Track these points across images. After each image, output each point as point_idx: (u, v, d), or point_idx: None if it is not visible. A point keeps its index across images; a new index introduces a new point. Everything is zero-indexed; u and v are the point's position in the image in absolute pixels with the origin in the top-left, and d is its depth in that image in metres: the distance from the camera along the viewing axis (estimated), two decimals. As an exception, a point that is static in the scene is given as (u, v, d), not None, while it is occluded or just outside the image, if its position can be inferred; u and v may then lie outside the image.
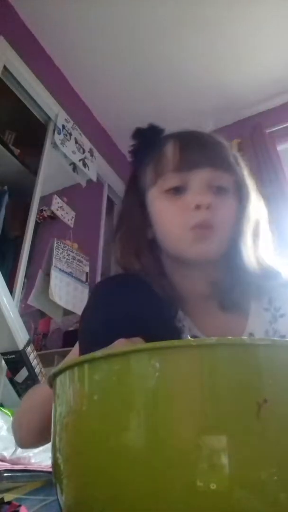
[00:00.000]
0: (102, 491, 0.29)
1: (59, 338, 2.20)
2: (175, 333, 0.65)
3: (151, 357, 0.29)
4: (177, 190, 0.64)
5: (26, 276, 1.80)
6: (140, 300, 0.62)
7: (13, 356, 1.40)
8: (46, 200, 2.19)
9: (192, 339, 0.30)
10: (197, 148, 0.65)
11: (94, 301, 0.65)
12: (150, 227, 0.69)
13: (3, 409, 1.19)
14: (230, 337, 0.67)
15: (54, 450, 0.35)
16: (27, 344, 1.42)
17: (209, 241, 0.63)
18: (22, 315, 1.64)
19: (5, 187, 2.29)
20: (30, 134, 2.17)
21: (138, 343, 0.45)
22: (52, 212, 2.14)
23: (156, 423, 0.28)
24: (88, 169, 2.26)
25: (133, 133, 0.71)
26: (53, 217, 2.23)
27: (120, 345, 0.45)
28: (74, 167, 2.20)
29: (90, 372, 0.31)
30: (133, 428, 0.29)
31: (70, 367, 0.33)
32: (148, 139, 0.70)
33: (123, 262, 0.71)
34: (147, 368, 0.29)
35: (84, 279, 2.06)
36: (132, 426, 0.29)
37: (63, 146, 2.09)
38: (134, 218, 0.71)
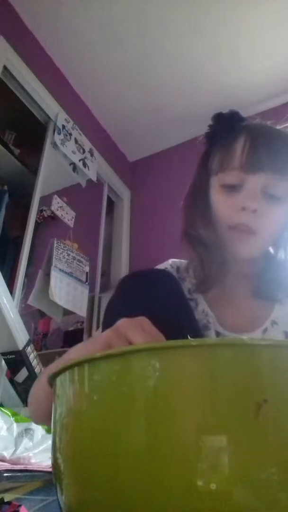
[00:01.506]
0: (102, 491, 0.29)
1: (59, 338, 2.21)
2: (198, 329, 0.68)
3: (151, 357, 0.29)
4: (233, 188, 0.67)
5: (26, 276, 1.80)
6: (165, 295, 0.64)
7: (13, 356, 1.40)
8: (46, 200, 2.19)
9: (192, 339, 0.30)
10: (265, 152, 0.66)
11: (118, 294, 0.68)
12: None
13: (3, 409, 1.19)
14: (251, 324, 0.67)
15: (54, 450, 0.35)
16: (27, 344, 1.42)
17: (247, 243, 0.67)
18: (22, 315, 1.64)
19: (5, 187, 2.29)
20: (30, 134, 2.17)
21: (143, 322, 0.44)
22: (52, 212, 2.14)
23: (156, 423, 0.28)
24: (88, 169, 2.26)
25: (214, 116, 0.72)
26: (53, 217, 2.23)
27: (123, 324, 0.45)
28: (74, 167, 2.20)
29: (90, 372, 0.31)
30: (133, 429, 0.28)
31: (70, 367, 0.33)
32: (226, 126, 0.71)
33: (189, 226, 0.74)
34: (147, 368, 0.29)
35: (84, 279, 2.06)
36: (132, 426, 0.29)
37: (63, 146, 2.09)
38: (201, 193, 0.74)
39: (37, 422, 0.74)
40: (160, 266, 0.79)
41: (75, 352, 0.53)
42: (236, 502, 0.26)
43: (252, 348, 0.29)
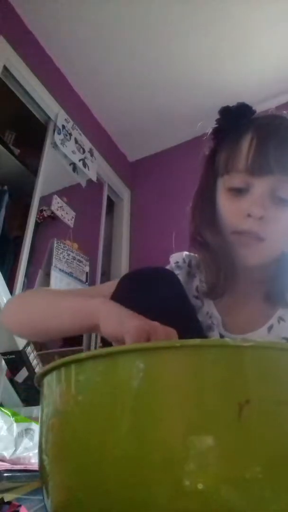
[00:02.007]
0: (88, 492, 0.29)
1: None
2: (201, 330, 0.66)
3: (137, 358, 0.29)
4: (239, 191, 0.63)
5: (26, 276, 1.80)
6: (163, 295, 0.62)
7: (13, 356, 1.40)
8: (46, 200, 2.19)
9: (177, 340, 0.30)
10: (273, 152, 0.61)
11: (117, 293, 0.66)
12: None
13: (3, 409, 1.19)
14: (256, 323, 0.66)
15: (40, 451, 0.34)
16: (27, 344, 1.42)
17: (254, 250, 0.63)
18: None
19: (5, 187, 2.29)
20: (30, 134, 2.17)
21: (154, 325, 0.43)
22: (52, 212, 2.14)
23: (142, 423, 0.28)
24: (88, 169, 2.26)
25: (220, 110, 0.68)
26: (53, 217, 2.23)
27: (160, 333, 0.41)
28: (74, 167, 2.19)
29: (77, 372, 0.31)
30: (119, 429, 0.28)
31: (57, 367, 0.33)
32: (233, 121, 0.67)
33: (196, 232, 0.71)
34: (132, 369, 0.29)
35: (84, 279, 2.06)
36: (118, 427, 0.29)
37: (63, 146, 2.09)
38: (208, 194, 0.70)
39: (11, 330, 0.71)
40: (173, 258, 0.78)
41: (107, 319, 0.49)
42: (223, 501, 0.26)
43: (236, 350, 0.29)
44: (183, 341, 0.29)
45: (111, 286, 0.68)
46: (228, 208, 0.65)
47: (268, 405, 0.27)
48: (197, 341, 0.29)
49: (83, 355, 0.31)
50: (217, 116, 0.69)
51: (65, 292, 0.86)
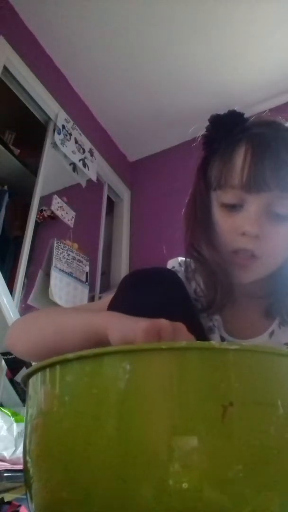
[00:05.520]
0: (72, 494, 0.29)
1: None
2: (202, 332, 0.66)
3: (123, 360, 0.29)
4: (233, 207, 0.61)
5: (26, 276, 1.80)
6: (163, 294, 0.62)
7: (13, 356, 1.40)
8: (46, 200, 2.19)
9: (162, 342, 0.30)
10: (269, 167, 0.58)
11: (118, 293, 0.65)
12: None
13: (3, 409, 1.19)
14: (258, 329, 0.66)
15: (24, 453, 0.34)
16: (27, 344, 1.42)
17: (249, 269, 0.62)
18: (22, 315, 1.64)
19: (5, 187, 2.29)
20: (30, 134, 2.17)
21: (162, 323, 0.42)
22: (52, 212, 2.14)
23: (127, 424, 0.29)
24: (88, 169, 2.26)
25: (210, 118, 0.64)
26: (53, 217, 2.23)
27: (166, 329, 0.41)
28: (74, 167, 2.19)
29: (62, 373, 0.32)
30: (104, 430, 0.29)
31: (42, 368, 0.33)
32: (225, 131, 0.63)
33: (192, 246, 0.69)
34: (118, 370, 0.29)
35: (84, 279, 2.06)
36: (103, 428, 0.29)
37: (63, 146, 2.09)
38: (202, 207, 0.68)
39: (17, 354, 0.69)
40: (170, 263, 0.77)
41: (116, 329, 0.47)
42: (206, 499, 0.27)
43: (220, 353, 0.29)
44: (168, 344, 0.29)
45: (108, 301, 0.66)
46: (222, 224, 0.63)
47: (250, 407, 0.28)
48: (182, 343, 0.29)
49: (68, 356, 0.31)
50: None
51: (66, 310, 0.86)
